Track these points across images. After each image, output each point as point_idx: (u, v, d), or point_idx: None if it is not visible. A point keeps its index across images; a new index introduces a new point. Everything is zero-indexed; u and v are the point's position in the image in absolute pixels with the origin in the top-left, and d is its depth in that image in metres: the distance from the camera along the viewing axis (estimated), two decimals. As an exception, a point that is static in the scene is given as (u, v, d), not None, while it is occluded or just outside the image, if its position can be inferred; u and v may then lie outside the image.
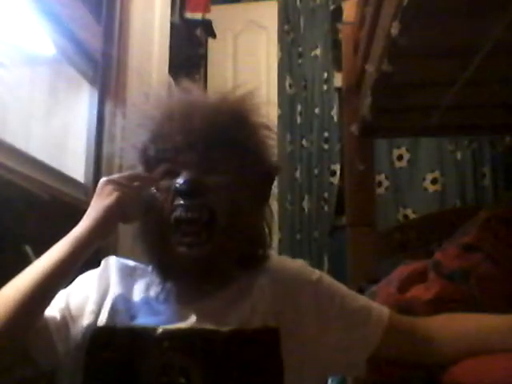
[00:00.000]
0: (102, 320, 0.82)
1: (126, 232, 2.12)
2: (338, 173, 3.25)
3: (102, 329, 0.81)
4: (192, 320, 0.79)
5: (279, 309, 0.80)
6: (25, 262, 1.32)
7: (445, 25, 1.27)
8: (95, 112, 1.93)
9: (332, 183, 3.29)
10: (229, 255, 0.82)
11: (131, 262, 0.95)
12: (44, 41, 1.70)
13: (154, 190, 0.85)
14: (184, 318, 0.80)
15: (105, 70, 1.99)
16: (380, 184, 3.13)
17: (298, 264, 0.89)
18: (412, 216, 3.05)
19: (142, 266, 0.94)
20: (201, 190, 0.80)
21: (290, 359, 0.77)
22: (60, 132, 1.86)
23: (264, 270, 0.86)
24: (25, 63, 1.72)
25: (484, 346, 0.80)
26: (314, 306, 0.83)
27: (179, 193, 0.81)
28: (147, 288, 0.88)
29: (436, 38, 1.33)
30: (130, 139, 0.91)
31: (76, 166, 1.87)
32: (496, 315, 0.84)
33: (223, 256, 0.81)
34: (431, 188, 3.09)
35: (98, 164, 1.93)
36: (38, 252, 1.37)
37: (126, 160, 0.94)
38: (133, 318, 0.82)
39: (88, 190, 1.88)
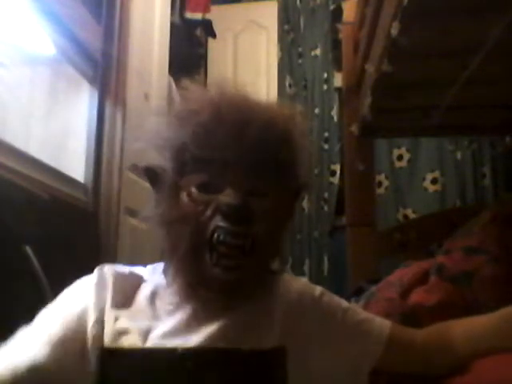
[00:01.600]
0: (107, 341, 0.75)
1: (126, 232, 2.12)
2: (338, 173, 3.25)
3: (110, 351, 0.75)
4: (210, 336, 0.75)
5: (287, 328, 0.79)
6: (25, 262, 1.32)
7: (445, 25, 1.27)
8: (95, 112, 1.94)
9: (332, 183, 3.29)
10: (258, 278, 0.79)
11: (126, 269, 0.87)
12: (44, 41, 1.70)
13: (187, 199, 0.76)
14: (201, 333, 0.75)
15: (105, 69, 1.99)
16: (380, 184, 3.13)
17: (302, 283, 0.89)
18: (412, 216, 3.05)
19: (140, 271, 0.87)
20: (247, 216, 0.74)
21: (294, 378, 0.77)
22: (60, 132, 1.86)
23: (273, 290, 0.84)
24: (25, 63, 1.72)
25: (474, 354, 0.80)
26: (317, 321, 0.82)
27: (224, 215, 0.73)
28: (152, 298, 0.81)
29: (436, 38, 1.33)
30: (164, 131, 0.79)
31: (76, 166, 1.87)
32: (486, 315, 0.84)
33: (253, 279, 0.78)
34: (431, 188, 3.09)
35: (98, 164, 1.94)
36: (38, 252, 1.37)
37: (150, 149, 0.81)
38: (143, 335, 0.75)
39: (88, 190, 1.89)
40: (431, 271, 1.20)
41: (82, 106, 1.93)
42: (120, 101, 2.04)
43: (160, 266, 0.86)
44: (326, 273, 3.18)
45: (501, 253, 1.13)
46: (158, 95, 2.55)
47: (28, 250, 1.32)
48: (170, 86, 2.86)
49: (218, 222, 0.74)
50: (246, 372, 0.74)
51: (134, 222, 2.19)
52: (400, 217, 3.09)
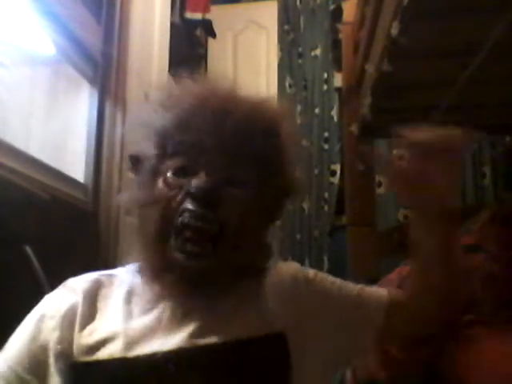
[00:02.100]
0: (80, 353, 0.73)
1: (126, 232, 2.12)
2: (338, 173, 3.25)
3: (85, 364, 0.72)
4: (191, 334, 0.72)
5: (282, 313, 0.78)
6: (25, 262, 1.32)
7: (445, 25, 1.27)
8: (95, 112, 1.93)
9: (332, 183, 3.29)
10: (228, 270, 0.76)
11: (93, 276, 0.83)
12: (44, 41, 1.70)
13: (162, 184, 0.76)
14: (181, 331, 0.73)
15: (105, 69, 1.99)
16: (380, 184, 3.13)
17: (293, 266, 0.88)
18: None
19: (115, 271, 0.85)
20: (217, 201, 0.73)
21: (298, 361, 0.75)
22: (60, 132, 1.86)
23: (259, 280, 0.82)
24: (25, 63, 1.72)
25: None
26: (314, 300, 0.81)
27: (192, 197, 0.73)
28: (129, 298, 0.78)
29: (436, 38, 1.33)
30: (150, 118, 0.80)
31: (76, 166, 1.87)
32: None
33: (222, 271, 0.75)
34: (431, 188, 3.09)
35: (98, 164, 1.93)
36: (38, 252, 1.37)
37: (137, 138, 0.82)
38: (121, 342, 0.72)
39: (88, 190, 1.88)
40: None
41: (82, 106, 1.92)
42: (120, 101, 2.04)
43: (133, 265, 0.84)
44: (325, 273, 3.18)
45: (499, 251, 1.13)
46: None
47: (28, 250, 1.32)
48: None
49: (187, 204, 0.73)
50: (234, 363, 0.71)
51: (134, 222, 2.19)
52: (400, 217, 3.09)
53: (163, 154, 0.78)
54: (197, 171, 0.75)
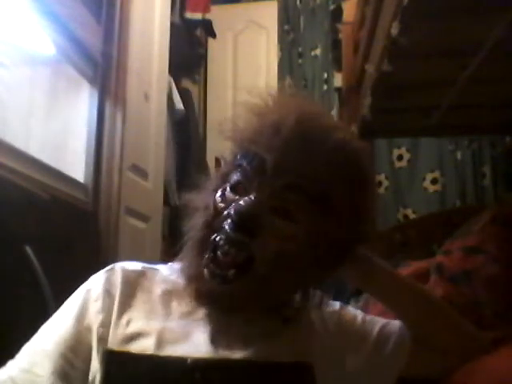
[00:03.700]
0: (115, 344, 0.73)
1: (126, 232, 2.12)
2: (339, 173, 3.25)
3: (116, 355, 0.72)
4: (222, 346, 0.72)
5: (311, 345, 0.77)
6: (25, 262, 1.32)
7: (445, 25, 1.27)
8: (95, 112, 1.93)
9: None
10: (252, 301, 0.74)
11: (138, 266, 0.83)
12: (44, 41, 1.70)
13: (219, 194, 0.74)
14: (214, 343, 0.73)
15: (105, 70, 1.99)
16: (380, 184, 3.13)
17: (319, 300, 0.87)
18: (412, 216, 3.05)
19: (158, 267, 0.84)
20: (253, 229, 0.69)
21: None
22: (60, 132, 1.86)
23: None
24: (25, 63, 1.72)
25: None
26: (339, 334, 0.80)
27: (231, 219, 0.70)
28: (168, 297, 0.78)
29: (436, 38, 1.33)
30: (239, 127, 0.76)
31: (76, 166, 1.87)
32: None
33: (244, 299, 0.73)
34: (431, 188, 3.09)
35: (98, 164, 1.94)
36: (38, 252, 1.37)
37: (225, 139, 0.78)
38: (154, 339, 0.72)
39: (88, 190, 1.89)
40: (431, 271, 1.20)
41: (82, 106, 1.93)
42: (120, 101, 2.04)
43: (177, 264, 0.82)
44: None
45: (500, 253, 1.13)
46: (158, 95, 2.55)
47: (28, 250, 1.32)
48: (170, 86, 2.86)
49: (225, 224, 0.71)
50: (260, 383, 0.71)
51: (133, 221, 2.19)
52: (400, 217, 3.09)
53: (233, 162, 0.75)
54: (249, 191, 0.71)
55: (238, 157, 0.74)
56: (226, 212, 0.71)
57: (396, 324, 0.83)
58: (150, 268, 0.83)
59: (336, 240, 0.73)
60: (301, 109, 0.73)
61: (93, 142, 1.92)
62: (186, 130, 3.14)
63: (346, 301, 1.24)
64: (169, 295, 0.79)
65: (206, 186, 0.78)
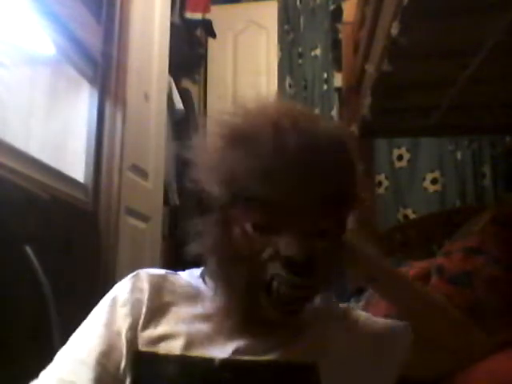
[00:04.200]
0: (143, 346, 0.74)
1: (126, 232, 2.12)
2: (339, 173, 3.24)
3: (145, 356, 0.74)
4: (247, 347, 0.74)
5: (318, 345, 0.78)
6: (25, 262, 1.32)
7: (445, 25, 1.27)
8: (95, 112, 1.93)
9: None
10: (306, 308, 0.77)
11: (162, 271, 0.83)
12: (44, 41, 1.70)
13: (242, 237, 0.70)
14: (239, 343, 0.74)
15: (105, 70, 1.99)
16: (380, 184, 3.13)
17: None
18: (412, 216, 3.05)
19: (174, 273, 0.85)
20: (314, 269, 0.68)
21: None
22: (60, 132, 1.86)
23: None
24: (25, 63, 1.72)
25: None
26: (344, 334, 0.81)
27: (287, 267, 0.67)
28: (193, 301, 0.79)
29: (436, 38, 1.33)
30: (215, 155, 0.70)
31: (76, 166, 1.87)
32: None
33: (303, 310, 0.76)
34: (431, 188, 3.09)
35: (98, 164, 1.93)
36: (38, 252, 1.37)
37: (200, 175, 0.72)
38: (182, 341, 0.74)
39: (88, 190, 1.89)
40: (432, 272, 1.20)
41: (82, 105, 1.92)
42: (120, 101, 2.04)
43: (196, 271, 0.85)
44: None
45: (500, 254, 1.13)
46: (158, 95, 2.55)
47: (28, 250, 1.32)
48: (170, 86, 2.86)
49: (278, 269, 0.68)
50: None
51: (133, 221, 2.19)
52: (400, 217, 3.09)
53: (234, 198, 0.69)
54: (280, 229, 0.68)
55: (243, 195, 0.68)
56: (265, 255, 0.68)
57: (401, 324, 0.83)
58: (172, 273, 0.85)
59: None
60: (289, 124, 0.69)
61: (93, 142, 1.92)
62: (186, 130, 3.15)
63: (346, 301, 1.24)
64: (193, 298, 0.80)
65: (205, 230, 0.73)
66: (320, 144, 0.68)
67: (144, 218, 2.31)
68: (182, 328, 0.76)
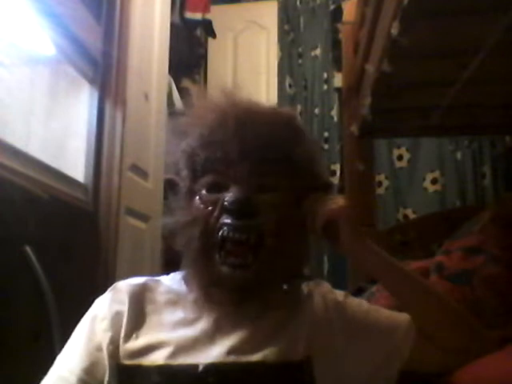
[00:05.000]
0: (126, 359, 0.76)
1: (126, 232, 2.12)
2: (338, 173, 3.25)
3: (129, 368, 0.75)
4: (232, 348, 0.75)
5: (313, 337, 0.78)
6: (25, 262, 1.32)
7: (445, 25, 1.27)
8: (95, 112, 1.93)
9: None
10: (273, 277, 0.79)
11: (141, 280, 0.86)
12: (44, 41, 1.70)
13: (198, 202, 0.79)
14: (223, 345, 0.76)
15: (105, 69, 1.99)
16: (380, 184, 3.13)
17: (324, 288, 0.87)
18: (412, 216, 3.06)
19: (160, 278, 0.88)
20: (251, 211, 0.76)
21: None
22: (60, 132, 1.86)
23: (297, 297, 0.84)
24: (25, 63, 1.72)
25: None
26: (343, 327, 0.81)
27: (228, 211, 0.75)
28: (173, 306, 0.82)
29: (436, 38, 1.33)
30: (178, 140, 0.83)
31: (76, 166, 1.87)
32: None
33: (267, 278, 0.78)
34: (431, 188, 3.09)
35: (98, 164, 1.93)
36: (38, 252, 1.37)
37: (171, 161, 0.86)
38: (164, 350, 0.76)
39: (88, 190, 1.89)
40: (431, 270, 1.20)
41: (82, 105, 1.92)
42: (120, 101, 2.04)
43: (178, 274, 0.86)
44: (325, 273, 3.18)
45: (500, 253, 1.14)
46: (158, 95, 2.55)
47: (28, 250, 1.32)
48: (170, 86, 2.86)
49: (224, 219, 0.76)
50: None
51: (133, 221, 2.19)
52: (400, 217, 3.09)
53: (194, 173, 0.81)
54: (228, 185, 0.78)
55: (198, 165, 0.80)
56: (216, 213, 0.77)
57: (402, 315, 0.82)
58: (152, 280, 0.87)
59: (307, 188, 0.82)
60: (230, 100, 0.82)
61: (93, 142, 1.92)
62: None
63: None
64: (174, 304, 0.82)
65: (176, 206, 0.83)
66: (257, 115, 0.80)
67: (144, 218, 2.31)
68: (165, 336, 0.77)
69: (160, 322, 0.79)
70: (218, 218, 0.77)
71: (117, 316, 0.80)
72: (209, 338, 0.76)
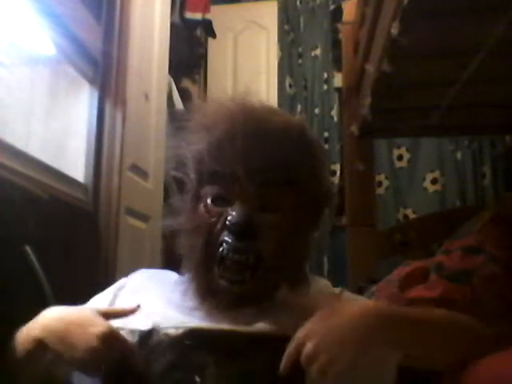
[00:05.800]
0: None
1: (126, 232, 2.12)
2: (338, 173, 3.25)
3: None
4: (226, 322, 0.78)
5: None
6: (25, 263, 1.32)
7: (445, 25, 1.27)
8: (95, 112, 1.93)
9: (332, 183, 3.29)
10: (269, 290, 0.81)
11: (143, 271, 0.95)
12: (44, 41, 1.70)
13: (203, 210, 0.81)
14: (217, 319, 0.79)
15: (105, 69, 1.99)
16: (380, 184, 3.13)
17: (322, 283, 0.90)
18: (412, 216, 3.06)
19: (158, 270, 0.95)
20: (252, 233, 0.77)
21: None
22: (60, 132, 1.86)
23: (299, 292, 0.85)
24: (25, 63, 1.71)
25: None
26: None
27: (229, 230, 0.77)
28: (170, 299, 0.86)
29: (436, 37, 1.33)
30: (186, 143, 0.84)
31: (76, 166, 1.87)
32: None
33: (264, 292, 0.80)
34: (431, 188, 3.09)
35: (98, 164, 1.93)
36: (38, 252, 1.37)
37: (178, 160, 0.87)
38: (148, 320, 0.79)
39: (88, 190, 1.88)
40: (431, 269, 1.20)
41: (82, 106, 1.92)
42: (120, 101, 2.04)
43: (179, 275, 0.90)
44: (325, 273, 3.18)
45: (500, 253, 1.14)
46: (158, 95, 2.55)
47: (28, 250, 1.32)
48: (170, 86, 2.86)
49: (225, 236, 0.78)
50: (244, 354, 0.75)
51: (133, 221, 2.19)
52: (400, 217, 3.10)
53: (201, 177, 0.83)
54: (232, 200, 0.79)
55: (206, 173, 0.82)
56: (219, 226, 0.79)
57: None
58: (156, 271, 0.94)
59: (311, 205, 0.83)
60: (241, 110, 0.81)
61: (93, 142, 1.92)
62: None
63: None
64: (171, 285, 0.87)
65: (181, 206, 0.86)
66: (267, 132, 0.79)
67: (144, 218, 2.31)
68: (155, 310, 0.81)
69: (155, 303, 0.84)
70: (221, 230, 0.79)
71: (119, 286, 0.90)
72: (198, 317, 0.80)
